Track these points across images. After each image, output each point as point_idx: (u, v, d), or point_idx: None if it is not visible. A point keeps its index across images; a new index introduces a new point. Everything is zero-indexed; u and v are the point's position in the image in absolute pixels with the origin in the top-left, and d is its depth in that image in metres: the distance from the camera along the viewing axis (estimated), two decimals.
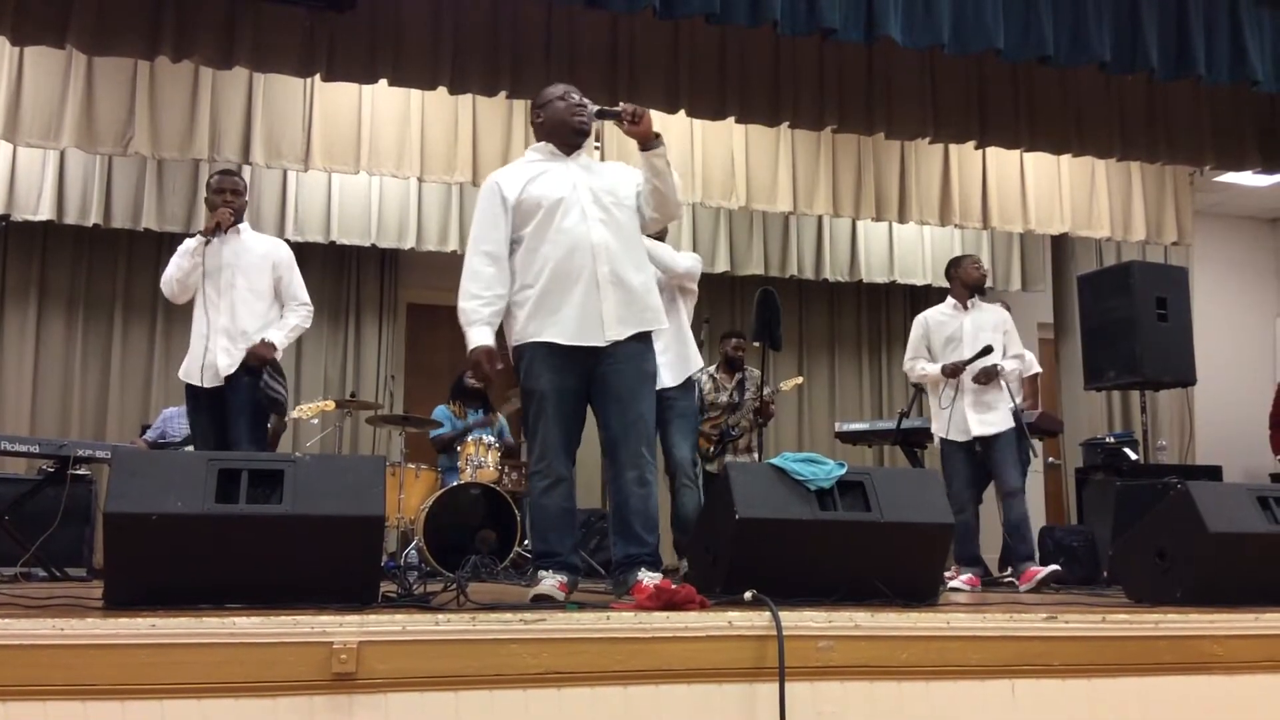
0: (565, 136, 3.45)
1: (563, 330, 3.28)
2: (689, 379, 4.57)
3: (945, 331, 5.43)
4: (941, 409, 5.37)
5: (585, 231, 3.30)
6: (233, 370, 4.44)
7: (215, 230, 4.47)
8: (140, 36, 5.57)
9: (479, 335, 3.29)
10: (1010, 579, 5.54)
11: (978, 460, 5.32)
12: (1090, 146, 7.00)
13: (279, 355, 4.61)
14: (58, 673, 2.25)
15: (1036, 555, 5.35)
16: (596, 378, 3.32)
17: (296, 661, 2.33)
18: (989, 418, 5.24)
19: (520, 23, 6.00)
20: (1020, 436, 5.26)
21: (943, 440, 5.40)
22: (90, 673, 2.26)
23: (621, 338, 3.30)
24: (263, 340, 4.51)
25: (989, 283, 8.64)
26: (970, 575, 5.17)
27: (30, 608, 2.61)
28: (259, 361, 4.47)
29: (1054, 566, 5.11)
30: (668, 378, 4.40)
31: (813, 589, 2.98)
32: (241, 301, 4.50)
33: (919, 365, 5.48)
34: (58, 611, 2.49)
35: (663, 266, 4.45)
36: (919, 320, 5.58)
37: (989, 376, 5.21)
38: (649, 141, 3.31)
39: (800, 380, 6.98)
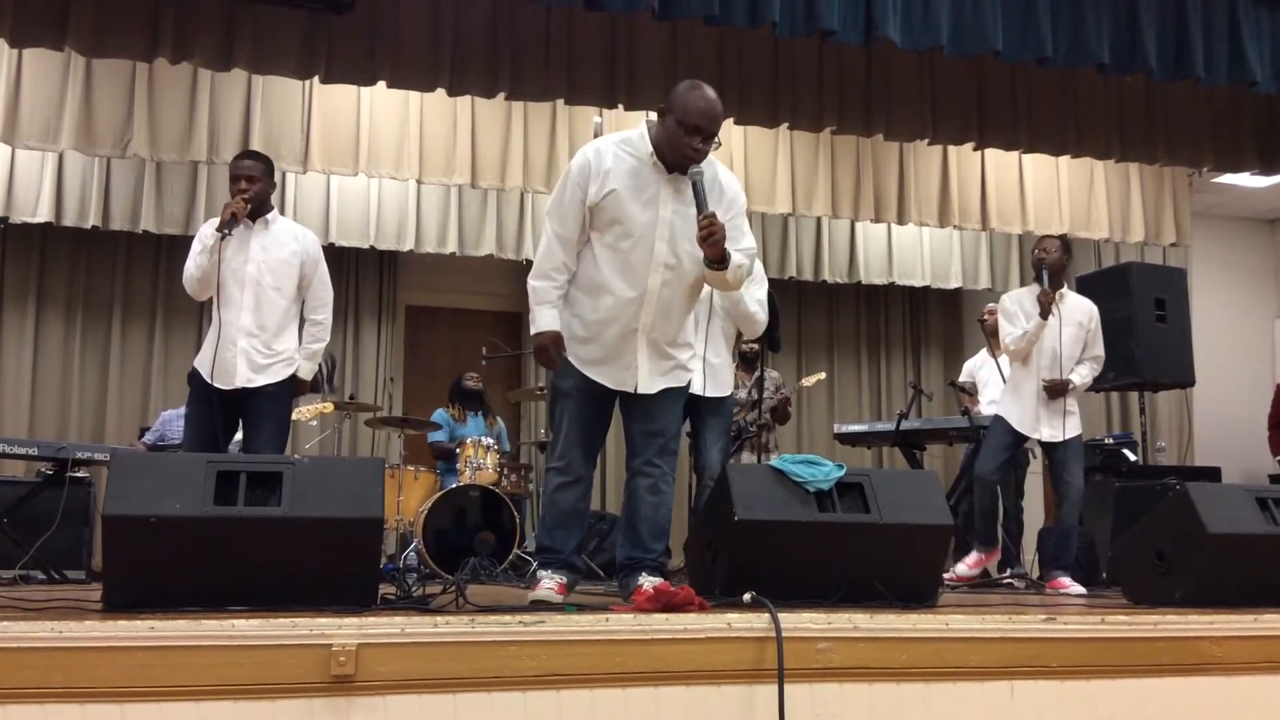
0: (667, 160, 3.21)
1: (594, 368, 3.27)
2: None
3: (1029, 305, 5.07)
4: (1012, 396, 5.12)
5: (645, 276, 3.20)
6: (254, 384, 4.20)
7: (231, 223, 4.12)
8: (139, 38, 5.57)
9: (547, 319, 3.23)
10: (1009, 580, 5.54)
11: (1017, 455, 5.26)
12: (1089, 148, 7.00)
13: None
14: (57, 675, 2.25)
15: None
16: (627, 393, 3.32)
17: (295, 664, 2.33)
18: (1059, 424, 4.98)
19: (519, 24, 5.99)
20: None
21: (999, 418, 5.14)
22: (89, 675, 2.26)
23: (651, 391, 3.27)
24: (295, 379, 4.33)
25: (988, 283, 8.76)
26: (982, 555, 5.15)
27: (29, 610, 2.61)
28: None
29: (1082, 590, 4.88)
30: (711, 387, 4.36)
31: (812, 590, 2.99)
32: (265, 300, 4.23)
33: (1016, 331, 5.03)
34: (56, 614, 2.49)
35: (742, 323, 4.42)
36: (1005, 298, 5.25)
37: (1059, 391, 4.96)
38: (714, 262, 3.16)
39: (822, 376, 6.97)
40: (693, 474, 4.59)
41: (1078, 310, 5.11)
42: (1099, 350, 5.13)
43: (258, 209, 4.25)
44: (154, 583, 2.63)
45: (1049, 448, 5.07)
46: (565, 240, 3.24)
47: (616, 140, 3.30)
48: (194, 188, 7.28)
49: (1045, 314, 4.94)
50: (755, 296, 4.38)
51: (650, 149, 3.22)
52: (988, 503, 5.24)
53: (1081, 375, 5.05)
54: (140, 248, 7.65)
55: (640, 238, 3.19)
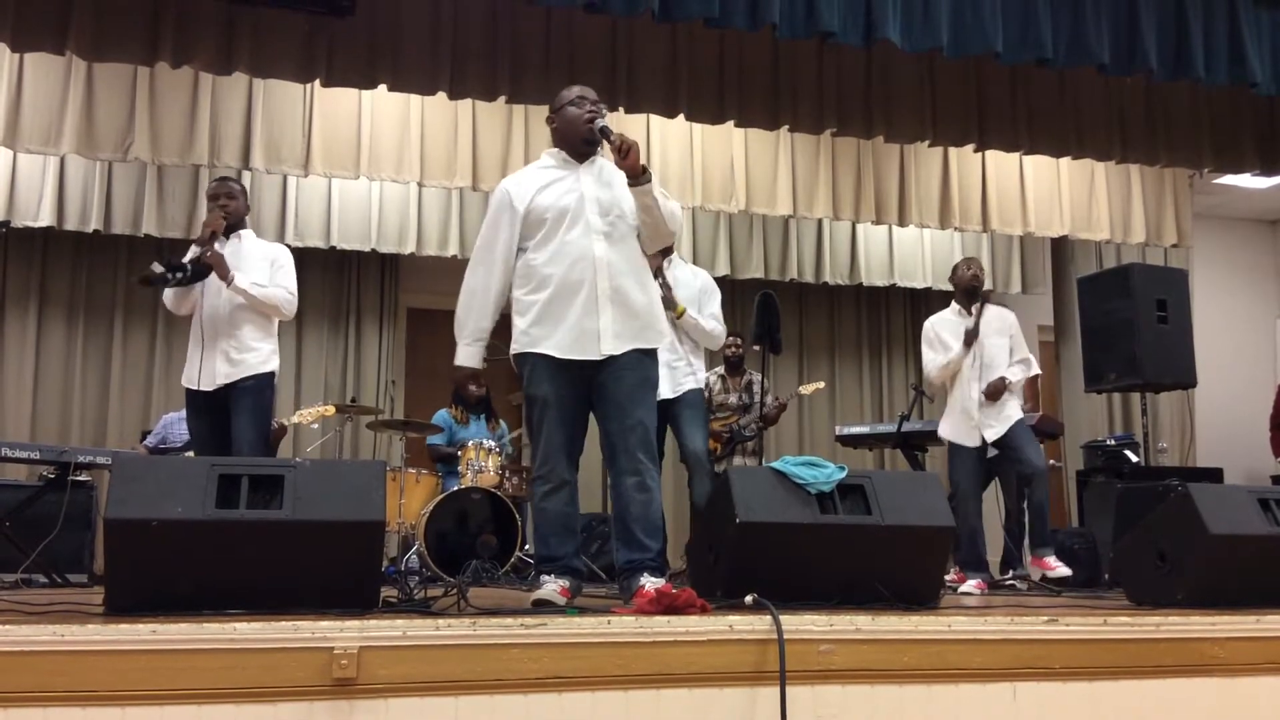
0: (575, 144, 3.44)
1: (559, 345, 3.30)
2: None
3: (948, 334, 5.36)
4: (955, 412, 5.31)
5: (588, 245, 3.31)
6: (232, 379, 4.35)
7: (211, 238, 4.36)
8: (140, 43, 5.57)
9: (465, 355, 3.40)
10: (1012, 581, 5.53)
11: (985, 461, 5.31)
12: (1089, 149, 7.00)
13: (230, 284, 4.31)
14: (59, 679, 2.25)
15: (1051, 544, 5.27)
16: (597, 385, 3.34)
17: (297, 667, 2.33)
18: (999, 420, 5.19)
19: (519, 27, 6.00)
20: None
21: (950, 442, 5.36)
22: (91, 678, 2.26)
23: (617, 353, 3.31)
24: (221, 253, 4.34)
25: (989, 284, 8.74)
26: (979, 580, 5.16)
27: (31, 614, 2.62)
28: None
29: (1068, 571, 5.01)
30: (669, 389, 4.43)
31: (813, 592, 2.99)
32: (239, 304, 4.38)
33: (939, 360, 5.31)
34: (59, 617, 2.49)
35: (703, 341, 4.73)
36: (927, 325, 5.48)
37: (998, 392, 5.16)
38: (636, 177, 3.30)
39: (821, 385, 7.00)
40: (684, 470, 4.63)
41: (998, 321, 5.36)
42: (1025, 353, 5.38)
43: (234, 226, 4.50)
44: (156, 586, 2.63)
45: (1000, 440, 5.20)
46: (489, 268, 3.39)
47: (523, 169, 3.60)
48: (195, 191, 7.28)
49: (968, 345, 5.21)
50: (708, 312, 4.75)
51: (556, 150, 3.48)
52: (975, 523, 5.26)
53: (1015, 373, 5.27)
54: (142, 251, 7.64)
55: (574, 218, 3.33)
